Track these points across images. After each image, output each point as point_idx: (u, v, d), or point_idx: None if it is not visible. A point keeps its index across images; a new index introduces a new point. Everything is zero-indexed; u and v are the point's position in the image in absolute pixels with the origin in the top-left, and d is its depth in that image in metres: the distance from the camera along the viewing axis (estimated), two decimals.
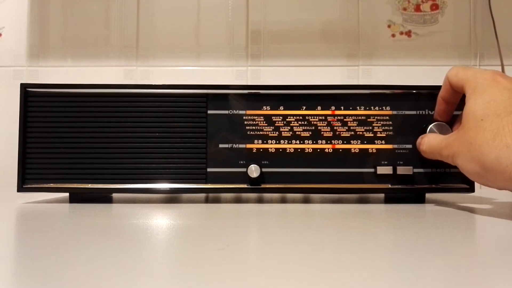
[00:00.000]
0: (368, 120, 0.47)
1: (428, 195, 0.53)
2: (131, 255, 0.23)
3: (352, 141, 0.47)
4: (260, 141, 0.47)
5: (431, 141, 0.43)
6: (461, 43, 0.75)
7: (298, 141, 0.47)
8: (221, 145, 0.47)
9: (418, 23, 0.76)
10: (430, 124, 0.45)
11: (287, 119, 0.47)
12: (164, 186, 0.46)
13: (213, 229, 0.32)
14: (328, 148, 0.47)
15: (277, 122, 0.47)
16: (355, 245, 0.26)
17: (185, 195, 0.55)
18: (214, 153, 0.47)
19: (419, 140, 0.45)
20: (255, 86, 0.48)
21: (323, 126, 0.47)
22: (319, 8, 0.77)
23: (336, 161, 0.47)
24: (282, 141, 0.47)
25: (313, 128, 0.47)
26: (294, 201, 0.50)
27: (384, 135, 0.47)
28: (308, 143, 0.47)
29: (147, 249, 0.25)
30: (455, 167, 0.40)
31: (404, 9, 0.76)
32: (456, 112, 0.46)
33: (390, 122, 0.47)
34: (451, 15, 0.76)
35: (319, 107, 0.47)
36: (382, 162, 0.47)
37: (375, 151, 0.47)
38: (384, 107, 0.47)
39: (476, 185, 0.46)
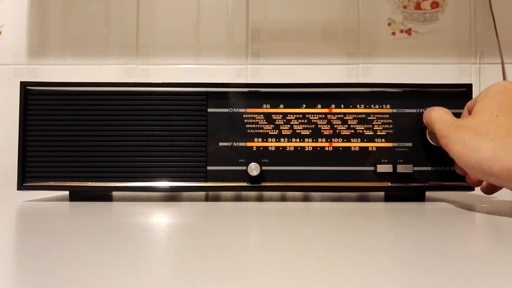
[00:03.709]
0: (368, 118, 0.47)
1: (428, 193, 0.53)
2: (131, 254, 0.23)
3: (352, 139, 0.47)
4: (260, 139, 0.47)
5: (441, 114, 0.43)
6: (462, 41, 0.75)
7: (298, 139, 0.47)
8: (221, 143, 0.47)
9: (418, 21, 0.76)
10: None
11: (287, 117, 0.47)
12: (164, 184, 0.46)
13: (212, 227, 0.32)
14: (328, 146, 0.47)
15: (277, 120, 0.47)
16: (355, 243, 0.26)
17: (185, 193, 0.55)
18: (214, 151, 0.47)
19: (430, 109, 0.45)
20: (255, 84, 0.48)
21: (323, 124, 0.47)
22: (319, 6, 0.76)
23: (336, 159, 0.47)
24: (282, 139, 0.47)
25: (313, 126, 0.47)
26: (294, 199, 0.50)
27: (384, 133, 0.47)
28: (308, 141, 0.47)
29: (147, 248, 0.25)
30: (454, 167, 0.40)
31: (405, 7, 0.76)
32: (454, 111, 0.46)
33: (390, 120, 0.47)
34: (452, 13, 0.76)
35: (319, 105, 0.47)
36: (382, 160, 0.47)
37: (375, 149, 0.47)
38: (384, 105, 0.47)
39: None
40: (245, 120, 0.47)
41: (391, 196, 0.51)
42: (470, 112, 0.42)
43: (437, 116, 0.43)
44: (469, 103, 0.43)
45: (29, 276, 0.19)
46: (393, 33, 0.76)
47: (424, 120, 0.46)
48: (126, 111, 0.47)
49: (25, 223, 0.34)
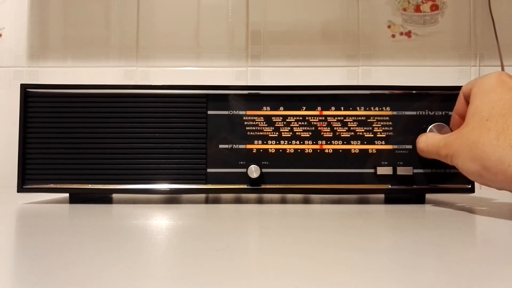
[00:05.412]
0: (368, 120, 0.47)
1: (428, 196, 0.53)
2: (131, 256, 0.23)
3: (352, 142, 0.47)
4: (260, 142, 0.47)
5: (429, 140, 0.44)
6: (461, 44, 0.75)
7: (298, 142, 0.47)
8: (221, 146, 0.47)
9: (418, 23, 0.76)
10: (430, 125, 0.46)
11: (287, 120, 0.47)
12: (164, 187, 0.46)
13: (213, 229, 0.32)
14: (328, 149, 0.47)
15: (277, 123, 0.47)
16: (355, 245, 0.26)
17: (185, 196, 0.55)
18: (214, 154, 0.47)
19: (418, 139, 0.46)
20: (255, 87, 0.48)
21: (323, 126, 0.47)
22: (319, 9, 0.77)
23: (336, 162, 0.47)
24: (282, 142, 0.47)
25: (313, 128, 0.47)
26: (294, 201, 0.50)
27: (384, 135, 0.47)
28: (308, 144, 0.47)
29: (147, 250, 0.25)
30: (455, 167, 0.40)
31: (404, 9, 0.76)
32: (451, 112, 0.46)
33: (390, 123, 0.47)
34: (451, 16, 0.76)
35: (319, 108, 0.47)
36: (382, 163, 0.47)
37: (375, 151, 0.47)
38: (384, 108, 0.47)
39: (476, 185, 0.46)
40: (245, 122, 0.47)
41: (391, 198, 0.51)
42: (465, 97, 0.42)
43: (428, 145, 0.43)
44: (464, 88, 0.42)
45: (29, 278, 0.19)
46: (393, 36, 0.76)
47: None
48: (126, 113, 0.47)
49: (25, 225, 0.34)
